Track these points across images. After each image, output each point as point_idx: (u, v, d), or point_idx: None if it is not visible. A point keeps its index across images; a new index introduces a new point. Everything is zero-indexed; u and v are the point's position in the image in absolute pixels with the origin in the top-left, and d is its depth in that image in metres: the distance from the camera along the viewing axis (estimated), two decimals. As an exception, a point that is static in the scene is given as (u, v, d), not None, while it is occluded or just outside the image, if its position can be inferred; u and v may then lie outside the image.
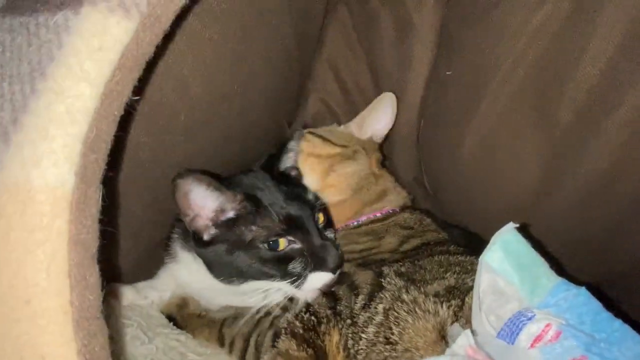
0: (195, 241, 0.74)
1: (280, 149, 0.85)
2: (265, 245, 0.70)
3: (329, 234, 0.79)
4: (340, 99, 1.09)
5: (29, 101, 0.37)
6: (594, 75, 0.68)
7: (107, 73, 0.38)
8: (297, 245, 0.72)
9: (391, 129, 1.04)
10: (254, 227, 0.71)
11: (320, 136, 0.95)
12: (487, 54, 0.82)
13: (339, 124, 1.13)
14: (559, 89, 0.73)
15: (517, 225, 0.55)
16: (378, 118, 0.99)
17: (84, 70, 0.37)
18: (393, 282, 0.66)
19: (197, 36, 0.69)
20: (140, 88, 0.44)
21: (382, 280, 0.67)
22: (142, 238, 0.88)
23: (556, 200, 0.79)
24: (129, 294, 0.84)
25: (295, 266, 0.71)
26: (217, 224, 0.72)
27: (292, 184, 0.82)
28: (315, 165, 0.91)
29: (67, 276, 0.37)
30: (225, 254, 0.71)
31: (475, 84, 0.85)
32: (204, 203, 0.69)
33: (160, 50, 0.60)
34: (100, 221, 0.42)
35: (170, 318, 0.85)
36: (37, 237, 0.36)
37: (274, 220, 0.71)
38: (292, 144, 0.87)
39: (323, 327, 0.65)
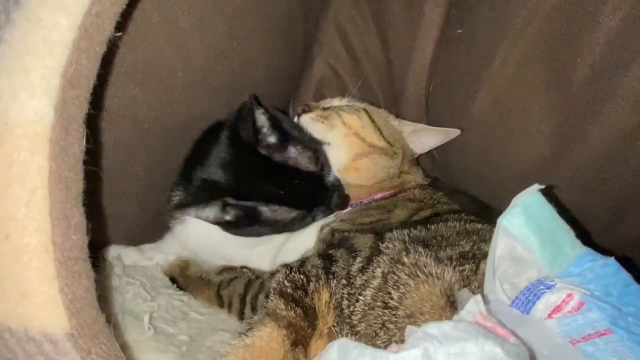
0: None
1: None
2: None
3: None
4: (347, 62, 1.04)
5: (4, 31, 0.35)
6: (613, 26, 0.64)
7: (85, 2, 0.36)
8: None
9: (400, 94, 1.00)
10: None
11: (374, 121, 0.89)
12: (499, 9, 0.78)
13: (346, 90, 1.09)
14: (575, 43, 0.68)
15: (542, 187, 0.49)
16: (432, 138, 0.94)
17: (61, -1, 0.36)
18: (392, 245, 0.63)
19: (194, -13, 0.67)
20: (124, 25, 0.42)
21: (381, 244, 0.64)
22: (147, 202, 0.88)
23: (568, 163, 0.75)
24: (132, 255, 0.85)
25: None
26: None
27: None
28: (355, 145, 0.86)
29: (49, 214, 0.36)
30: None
31: (487, 41, 0.80)
32: None
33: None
34: (86, 163, 0.41)
35: (173, 280, 0.86)
36: (16, 172, 0.35)
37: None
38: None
39: (312, 285, 0.63)
